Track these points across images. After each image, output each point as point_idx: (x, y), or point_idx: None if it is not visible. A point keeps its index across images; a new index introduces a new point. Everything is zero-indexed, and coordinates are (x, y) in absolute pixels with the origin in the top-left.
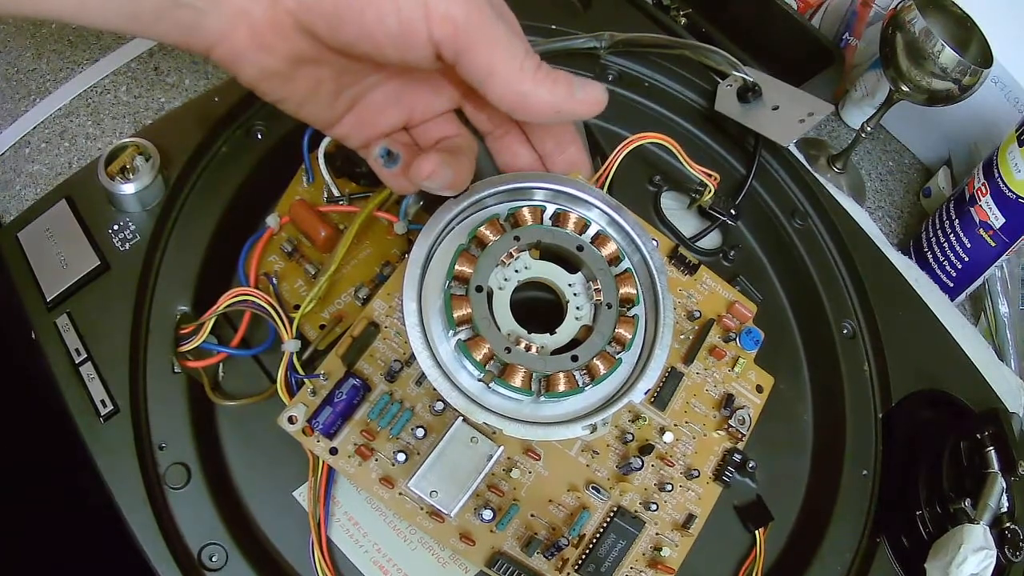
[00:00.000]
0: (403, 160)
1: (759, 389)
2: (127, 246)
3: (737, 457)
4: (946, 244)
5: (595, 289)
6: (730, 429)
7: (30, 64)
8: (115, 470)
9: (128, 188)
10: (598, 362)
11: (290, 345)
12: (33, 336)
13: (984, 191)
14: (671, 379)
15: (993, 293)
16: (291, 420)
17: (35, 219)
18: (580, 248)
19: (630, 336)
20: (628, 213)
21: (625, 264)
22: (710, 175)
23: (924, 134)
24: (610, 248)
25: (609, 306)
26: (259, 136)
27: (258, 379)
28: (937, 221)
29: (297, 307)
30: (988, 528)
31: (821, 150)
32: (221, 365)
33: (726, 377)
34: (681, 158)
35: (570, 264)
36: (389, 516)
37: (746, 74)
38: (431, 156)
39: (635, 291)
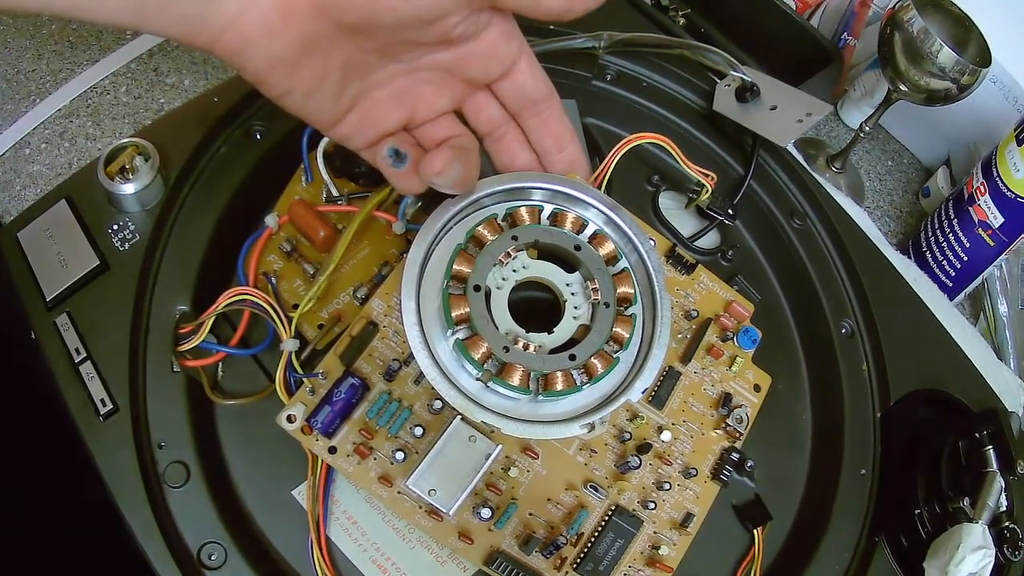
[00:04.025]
0: (411, 160)
1: (757, 388)
2: (126, 246)
3: (735, 456)
4: (945, 244)
5: (593, 288)
6: (728, 428)
7: (30, 65)
8: (114, 469)
9: (128, 188)
10: (596, 361)
11: (289, 344)
12: (33, 335)
13: (983, 190)
14: (669, 378)
15: (992, 292)
16: (290, 419)
17: (35, 219)
18: (578, 248)
19: (628, 335)
20: (625, 213)
21: (622, 264)
22: (707, 175)
23: (923, 134)
24: (607, 248)
25: (607, 305)
26: (258, 136)
27: (257, 378)
28: (936, 221)
29: (296, 306)
30: (987, 527)
31: (820, 150)
32: (220, 364)
33: (724, 376)
34: (678, 158)
35: (568, 264)
36: (388, 515)
37: (744, 74)
38: (441, 152)
39: (632, 290)
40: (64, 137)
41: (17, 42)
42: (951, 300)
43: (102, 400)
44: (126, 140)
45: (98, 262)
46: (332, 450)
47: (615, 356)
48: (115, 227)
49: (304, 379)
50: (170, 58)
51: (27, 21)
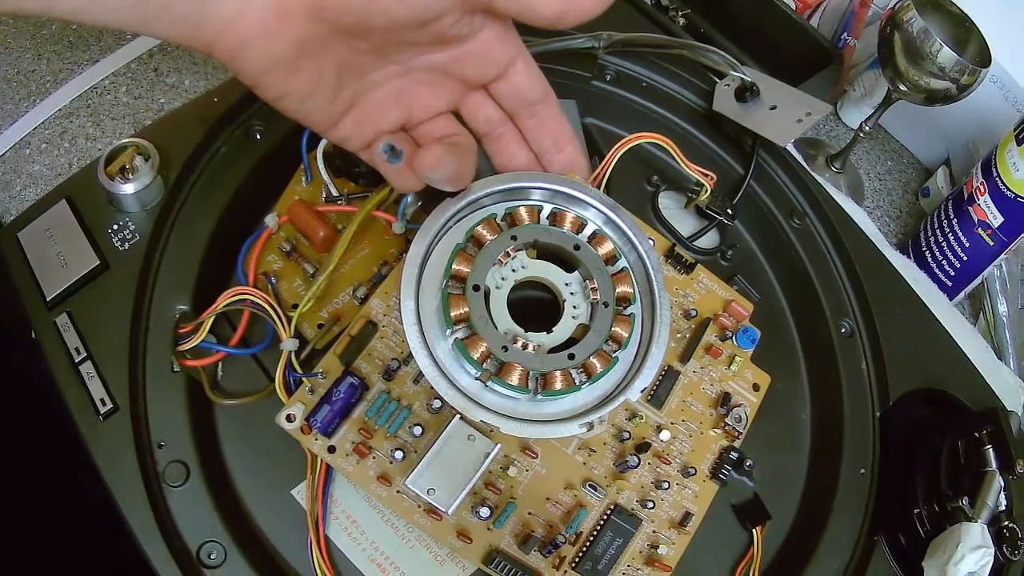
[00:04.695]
0: (407, 156)
1: (755, 388)
2: (127, 246)
3: (734, 455)
4: (944, 243)
5: (592, 288)
6: (727, 427)
7: (30, 65)
8: (114, 468)
9: (128, 188)
10: (595, 360)
11: (289, 344)
12: (33, 335)
13: (982, 190)
14: (668, 377)
15: (992, 292)
16: (289, 418)
17: (35, 219)
18: (577, 247)
19: (627, 335)
20: (625, 212)
21: (622, 263)
22: (707, 175)
23: (922, 133)
24: (607, 247)
25: (606, 305)
26: (258, 136)
27: (257, 378)
28: (935, 220)
29: (295, 306)
30: (986, 526)
31: (819, 150)
32: (220, 364)
33: (723, 375)
34: (678, 158)
35: (567, 263)
36: (387, 514)
37: (744, 74)
38: (435, 147)
39: (632, 290)
40: (64, 137)
41: (17, 42)
42: (951, 300)
43: (102, 400)
44: (126, 140)
45: (98, 262)
46: (331, 449)
47: (614, 355)
48: (115, 227)
49: (303, 379)
50: (170, 58)
51: (27, 21)
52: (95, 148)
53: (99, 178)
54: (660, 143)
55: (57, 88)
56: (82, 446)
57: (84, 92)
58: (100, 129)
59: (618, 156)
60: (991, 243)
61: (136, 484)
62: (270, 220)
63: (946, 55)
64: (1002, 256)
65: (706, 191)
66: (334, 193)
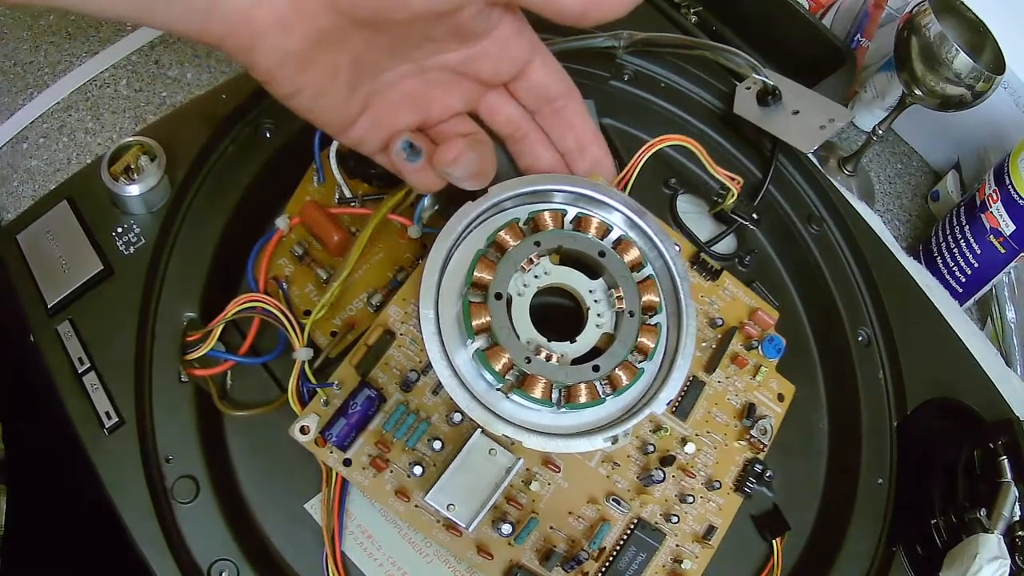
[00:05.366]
0: (426, 153)
1: (780, 398)
2: (131, 250)
3: (758, 467)
4: (956, 250)
5: (617, 296)
6: (751, 439)
7: (27, 57)
8: (120, 484)
9: (132, 189)
10: (620, 372)
11: (302, 353)
12: (33, 343)
13: (995, 198)
14: (693, 388)
15: (1000, 299)
16: (303, 430)
17: (35, 221)
18: (602, 254)
19: (652, 345)
20: (651, 217)
21: (647, 270)
22: (733, 179)
23: (932, 137)
24: (632, 254)
25: (631, 314)
26: (267, 135)
27: (268, 388)
28: (947, 226)
29: (308, 313)
30: (1002, 537)
31: (831, 152)
32: (229, 373)
33: (748, 386)
34: (705, 162)
35: (590, 269)
36: (404, 529)
37: (767, 77)
38: (456, 141)
39: (658, 299)
40: (63, 131)
41: (14, 33)
42: (960, 306)
43: (107, 413)
44: (130, 139)
45: (102, 267)
46: (347, 463)
47: (639, 367)
48: (119, 230)
49: (318, 389)
50: (172, 50)
51: (24, 10)
52: (94, 143)
53: (102, 178)
54: (686, 145)
55: (55, 80)
56: (86, 461)
57: (83, 85)
58: (100, 123)
59: (645, 159)
60: (1002, 251)
61: (144, 501)
62: (281, 222)
63: (962, 61)
64: (1012, 263)
65: (732, 195)
66: (347, 195)
